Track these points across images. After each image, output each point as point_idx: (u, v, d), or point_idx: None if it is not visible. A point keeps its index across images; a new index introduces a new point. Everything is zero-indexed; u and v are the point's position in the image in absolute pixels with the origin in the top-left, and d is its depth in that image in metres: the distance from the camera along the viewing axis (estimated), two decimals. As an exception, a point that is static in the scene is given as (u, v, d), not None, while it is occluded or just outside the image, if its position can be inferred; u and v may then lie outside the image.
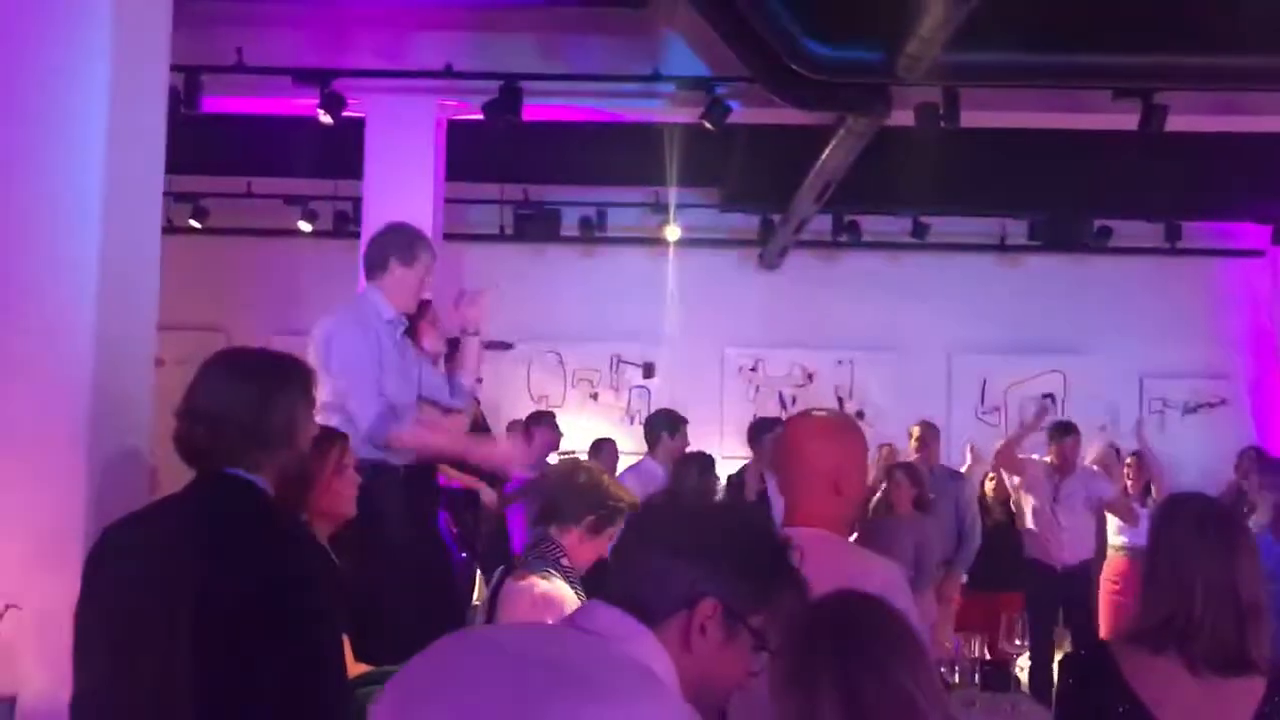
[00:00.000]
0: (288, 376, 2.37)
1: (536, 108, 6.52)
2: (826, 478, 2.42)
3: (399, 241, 3.83)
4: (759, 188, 8.95)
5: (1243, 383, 10.37)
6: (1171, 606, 2.34)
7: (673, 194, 9.14)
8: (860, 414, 10.12)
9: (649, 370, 10.37)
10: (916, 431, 7.80)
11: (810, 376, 10.41)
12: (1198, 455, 9.53)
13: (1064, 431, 7.43)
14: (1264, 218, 9.87)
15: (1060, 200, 9.24)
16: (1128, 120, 6.26)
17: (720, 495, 6.54)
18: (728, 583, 1.50)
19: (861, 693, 1.52)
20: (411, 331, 4.80)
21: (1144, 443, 8.00)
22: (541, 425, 7.65)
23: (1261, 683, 2.31)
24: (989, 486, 7.54)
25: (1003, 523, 7.39)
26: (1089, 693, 2.35)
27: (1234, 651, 2.30)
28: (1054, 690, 2.57)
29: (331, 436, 2.85)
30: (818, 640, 1.57)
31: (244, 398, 2.28)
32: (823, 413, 2.76)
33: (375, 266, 3.80)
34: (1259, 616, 2.32)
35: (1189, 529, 2.41)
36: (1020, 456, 7.30)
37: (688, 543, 1.54)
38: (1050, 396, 10.29)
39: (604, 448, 7.75)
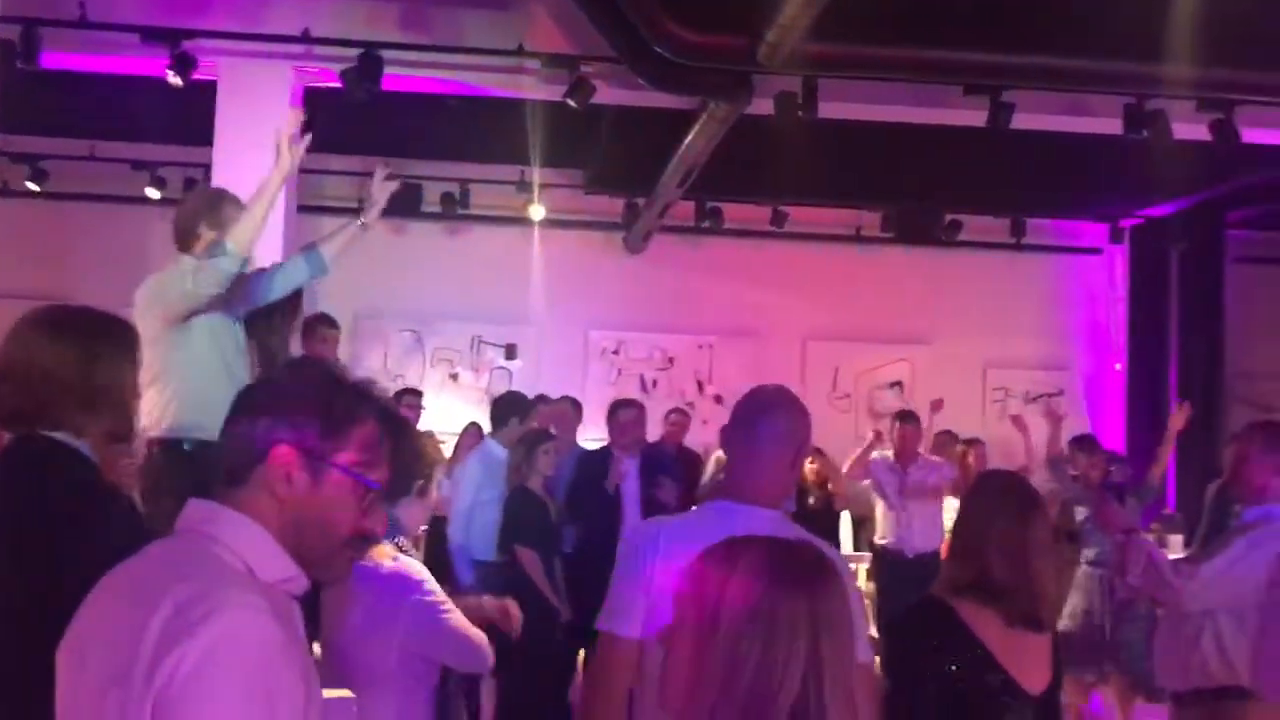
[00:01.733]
0: (114, 336, 2.28)
1: (398, 78, 6.39)
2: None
3: (206, 206, 3.70)
4: (623, 170, 8.98)
5: (1079, 374, 10.88)
6: (976, 570, 2.64)
7: (536, 173, 9.10)
8: (718, 398, 10.27)
9: (511, 351, 10.32)
10: None
11: (671, 360, 10.51)
12: (1035, 443, 9.94)
13: (905, 419, 7.57)
14: (1103, 216, 10.37)
15: (913, 193, 9.54)
16: (977, 117, 6.49)
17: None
18: (296, 426, 1.53)
19: (820, 646, 1.51)
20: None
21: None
22: (402, 405, 7.56)
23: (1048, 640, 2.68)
24: (808, 468, 7.63)
25: (820, 508, 7.58)
26: (933, 639, 2.61)
27: (1030, 610, 2.62)
28: (886, 645, 2.80)
29: None
30: (793, 588, 1.54)
31: (68, 357, 2.17)
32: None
33: (187, 235, 3.64)
34: (1046, 584, 2.65)
35: (991, 500, 2.74)
36: (862, 461, 7.47)
37: (261, 402, 1.58)
38: (899, 384, 10.64)
39: (470, 431, 7.81)
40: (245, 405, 1.59)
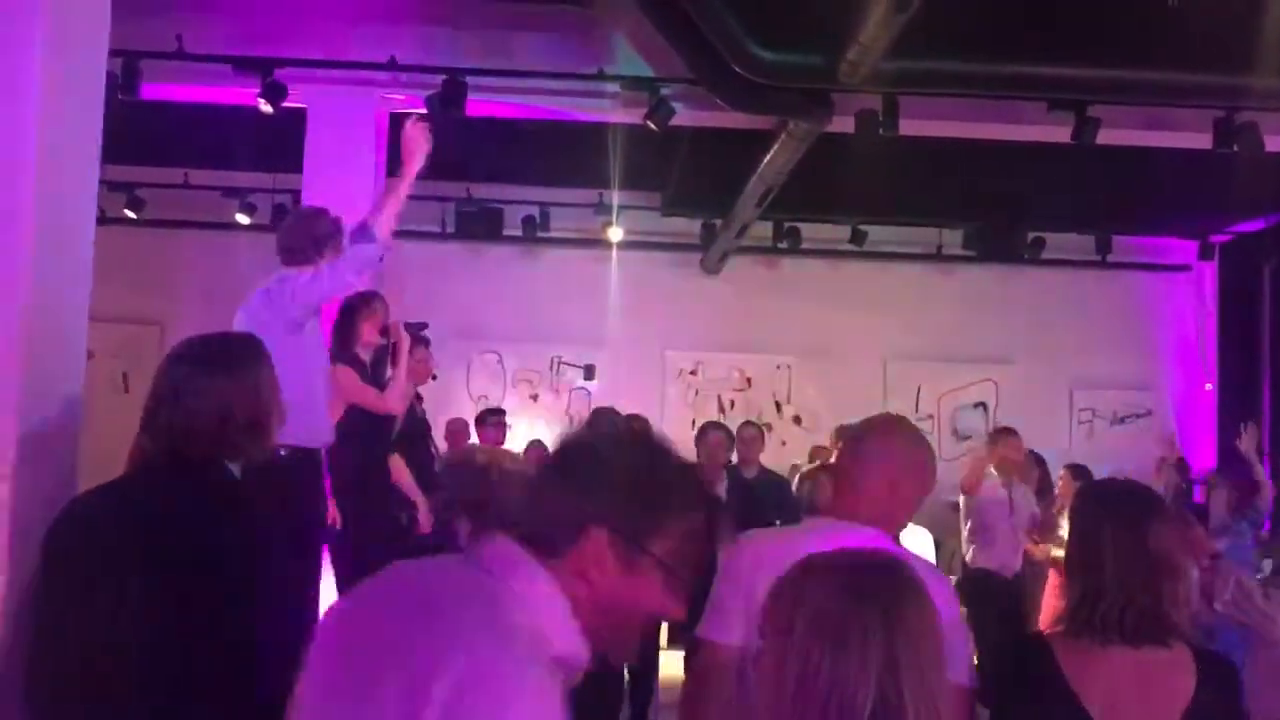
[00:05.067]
0: (263, 360, 2.36)
1: (480, 104, 6.51)
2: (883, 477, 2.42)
3: (333, 231, 3.82)
4: (701, 192, 9.01)
5: (1168, 395, 10.63)
6: (1085, 579, 2.31)
7: (615, 196, 9.17)
8: (797, 419, 10.22)
9: (590, 372, 10.38)
10: (833, 437, 7.71)
11: (749, 380, 10.49)
12: (1124, 466, 9.73)
13: (1008, 434, 7.08)
14: (1191, 233, 10.13)
15: (995, 211, 9.42)
16: (1061, 133, 6.40)
17: None
18: (616, 510, 1.45)
19: (897, 663, 1.44)
20: (351, 323, 4.78)
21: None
22: (487, 424, 7.67)
23: (1189, 656, 2.25)
24: None
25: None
26: (1025, 683, 2.31)
27: (1149, 613, 2.23)
28: (989, 681, 2.51)
29: None
30: (865, 594, 1.49)
31: (227, 386, 2.27)
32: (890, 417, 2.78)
33: (304, 254, 3.76)
34: (1174, 576, 2.28)
35: (1099, 502, 2.42)
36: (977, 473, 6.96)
37: (579, 473, 1.51)
38: (983, 405, 10.48)
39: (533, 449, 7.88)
40: (564, 470, 1.52)
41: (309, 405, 3.52)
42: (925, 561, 2.46)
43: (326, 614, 1.53)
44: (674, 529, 1.47)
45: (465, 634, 1.35)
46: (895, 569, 1.55)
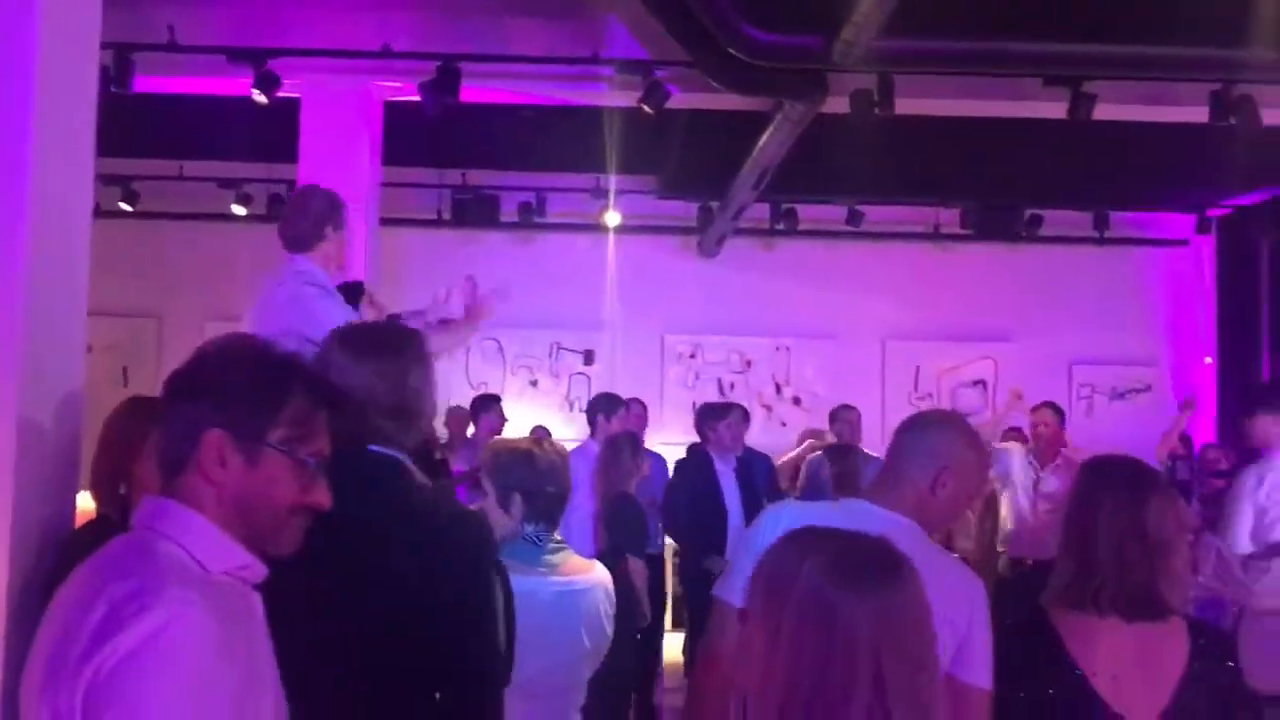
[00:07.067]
0: (418, 350, 2.33)
1: (475, 89, 6.49)
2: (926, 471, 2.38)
3: (329, 207, 3.76)
4: (697, 175, 8.99)
5: (1167, 370, 10.64)
6: (1079, 553, 2.33)
7: (612, 180, 9.15)
8: (797, 400, 10.23)
9: (589, 357, 10.39)
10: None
11: (748, 363, 10.49)
12: (1124, 441, 9.73)
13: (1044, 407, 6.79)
14: (1189, 207, 10.13)
15: (992, 189, 9.41)
16: (1057, 109, 6.39)
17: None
18: (223, 409, 1.54)
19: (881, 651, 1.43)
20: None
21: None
22: (488, 411, 7.68)
23: (1183, 627, 2.30)
24: None
25: None
26: (1028, 663, 2.33)
27: (1142, 592, 2.27)
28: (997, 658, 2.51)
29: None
30: (853, 579, 1.49)
31: (382, 376, 2.22)
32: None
33: (309, 236, 3.70)
34: (1168, 552, 2.29)
35: (1098, 477, 2.43)
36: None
37: (186, 389, 1.59)
38: (982, 383, 10.49)
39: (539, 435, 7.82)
40: (174, 391, 1.60)
41: None
42: (954, 560, 2.44)
43: None
44: (284, 415, 1.57)
45: (107, 583, 1.44)
46: (888, 556, 1.54)
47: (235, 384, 1.57)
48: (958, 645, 2.21)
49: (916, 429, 2.47)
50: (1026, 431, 7.14)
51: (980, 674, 2.22)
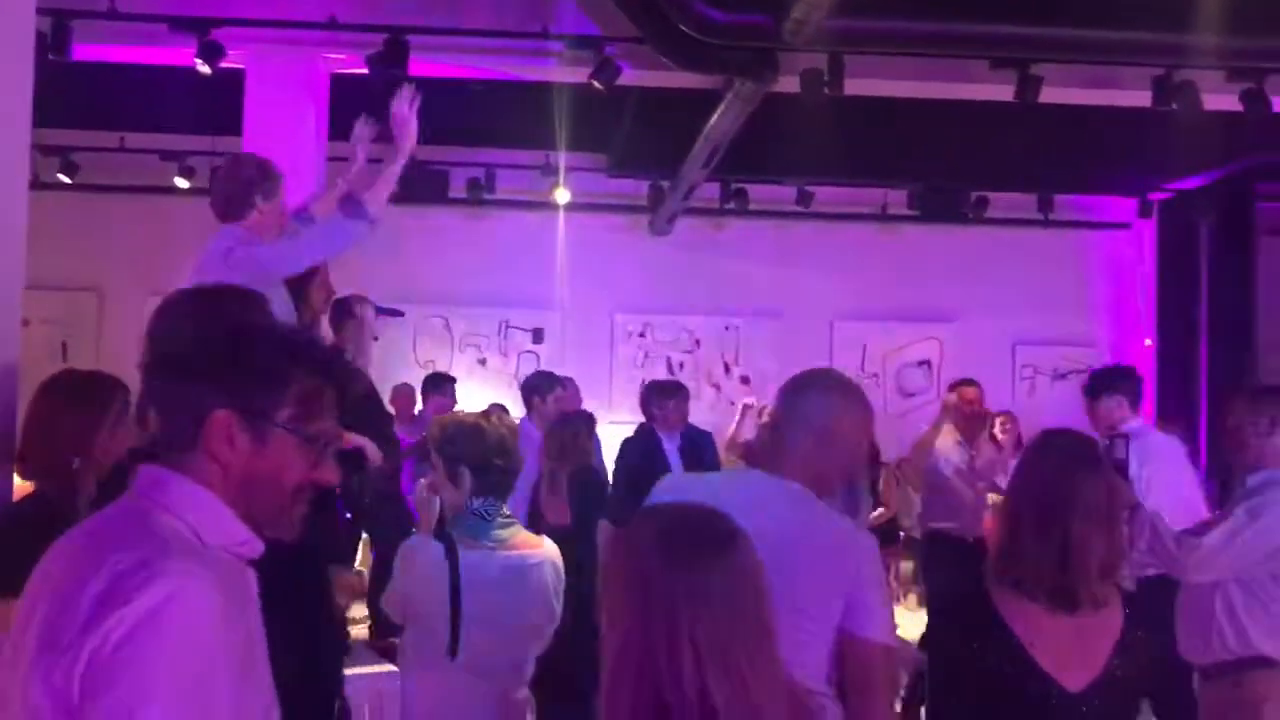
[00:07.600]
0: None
1: (423, 64, 6.41)
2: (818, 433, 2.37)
3: (259, 175, 3.58)
4: (648, 153, 8.97)
5: (1107, 351, 10.82)
6: (1007, 535, 2.33)
7: (562, 157, 9.10)
8: (745, 379, 10.28)
9: (538, 335, 10.35)
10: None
11: (698, 342, 10.52)
12: (1065, 422, 9.87)
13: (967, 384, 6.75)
14: (1132, 190, 10.28)
15: (939, 171, 9.49)
16: (1004, 92, 6.45)
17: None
18: (230, 388, 1.53)
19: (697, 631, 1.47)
20: (301, 291, 4.68)
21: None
22: (439, 391, 7.64)
23: (1117, 597, 2.32)
24: None
25: None
26: (967, 635, 2.34)
27: (1055, 584, 2.26)
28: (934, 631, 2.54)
29: (115, 385, 2.80)
30: (673, 556, 1.52)
31: None
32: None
33: (240, 205, 3.51)
34: (1085, 552, 2.24)
35: (1034, 456, 2.41)
36: (929, 443, 6.62)
37: (186, 365, 1.58)
38: (927, 363, 10.61)
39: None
40: (180, 369, 1.59)
41: None
42: (840, 520, 2.39)
43: None
44: (291, 394, 1.56)
45: (107, 555, 1.42)
46: (718, 535, 1.56)
47: (241, 363, 1.56)
48: (847, 603, 2.22)
49: (794, 392, 2.44)
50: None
51: (873, 628, 2.22)
